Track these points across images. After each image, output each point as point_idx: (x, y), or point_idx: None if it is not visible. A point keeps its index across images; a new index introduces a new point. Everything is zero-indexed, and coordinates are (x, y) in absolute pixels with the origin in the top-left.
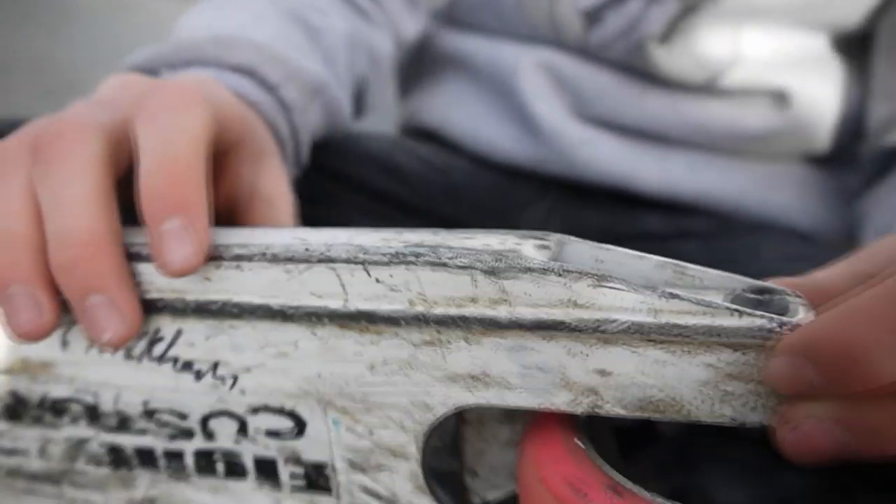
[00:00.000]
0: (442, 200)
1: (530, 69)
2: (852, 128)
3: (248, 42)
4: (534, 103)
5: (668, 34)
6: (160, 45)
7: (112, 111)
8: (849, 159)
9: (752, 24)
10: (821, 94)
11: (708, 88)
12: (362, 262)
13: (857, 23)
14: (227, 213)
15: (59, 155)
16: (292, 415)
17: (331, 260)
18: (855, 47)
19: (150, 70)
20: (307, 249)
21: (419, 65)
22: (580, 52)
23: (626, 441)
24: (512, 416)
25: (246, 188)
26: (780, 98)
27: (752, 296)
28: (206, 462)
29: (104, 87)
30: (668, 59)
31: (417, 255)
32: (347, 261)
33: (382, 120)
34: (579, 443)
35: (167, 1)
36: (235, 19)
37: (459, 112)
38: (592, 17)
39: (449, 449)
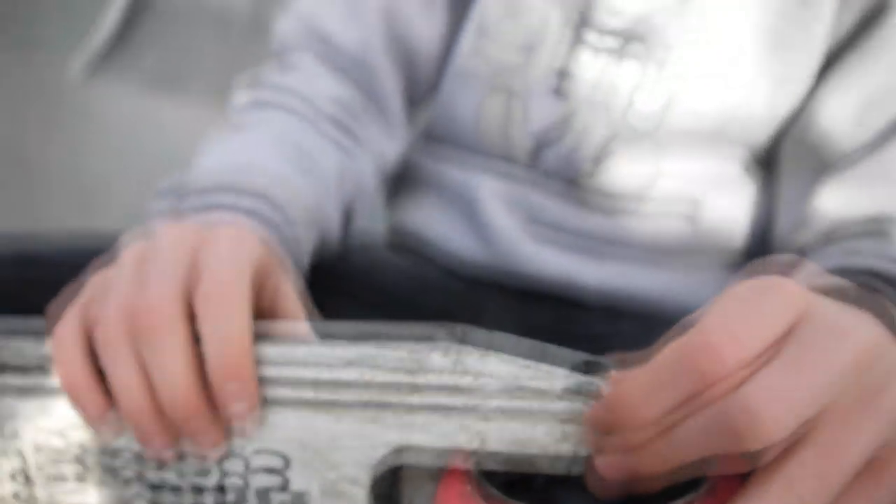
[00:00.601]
0: (416, 306)
1: (489, 193)
2: (763, 236)
3: (261, 170)
4: (492, 223)
5: (599, 159)
6: (184, 177)
7: (179, 277)
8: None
9: (670, 150)
10: (731, 208)
11: (632, 207)
12: (328, 368)
13: (765, 143)
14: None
15: (155, 339)
16: (283, 456)
17: (307, 367)
18: (763, 162)
19: (179, 194)
20: (294, 364)
21: (401, 181)
22: (529, 170)
23: (510, 490)
24: (434, 476)
25: (270, 297)
26: (692, 216)
27: (586, 366)
28: (220, 493)
29: (161, 238)
30: (598, 180)
31: (363, 363)
32: (316, 366)
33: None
34: (470, 486)
35: (186, 113)
36: (251, 160)
37: (432, 227)
38: (540, 141)
39: (388, 484)
